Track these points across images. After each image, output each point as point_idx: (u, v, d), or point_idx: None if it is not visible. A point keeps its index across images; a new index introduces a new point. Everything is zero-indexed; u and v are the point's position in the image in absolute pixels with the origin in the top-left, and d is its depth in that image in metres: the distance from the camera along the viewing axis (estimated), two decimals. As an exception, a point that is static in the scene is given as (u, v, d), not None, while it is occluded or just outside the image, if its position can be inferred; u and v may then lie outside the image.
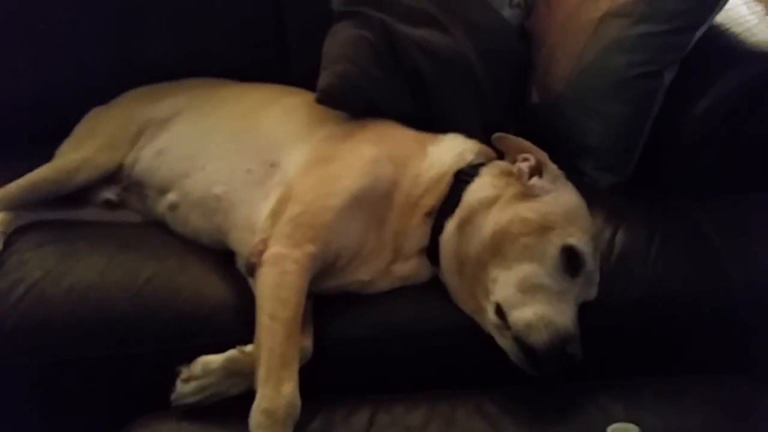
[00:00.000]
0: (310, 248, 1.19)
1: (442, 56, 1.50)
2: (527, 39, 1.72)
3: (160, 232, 1.44)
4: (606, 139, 1.49)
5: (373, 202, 1.27)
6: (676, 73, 1.45)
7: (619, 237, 1.35)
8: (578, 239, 1.17)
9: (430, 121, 1.47)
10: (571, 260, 1.16)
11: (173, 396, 1.10)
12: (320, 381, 1.14)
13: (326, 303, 1.24)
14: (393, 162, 1.31)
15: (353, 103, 1.44)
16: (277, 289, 1.14)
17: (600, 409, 1.09)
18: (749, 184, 1.46)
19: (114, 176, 1.54)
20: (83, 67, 1.78)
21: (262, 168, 1.37)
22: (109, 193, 1.53)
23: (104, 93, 1.72)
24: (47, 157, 1.59)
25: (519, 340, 1.10)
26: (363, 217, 1.25)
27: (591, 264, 1.18)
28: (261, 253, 1.20)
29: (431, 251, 1.27)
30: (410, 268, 1.28)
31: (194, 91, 1.65)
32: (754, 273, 1.29)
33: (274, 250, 1.19)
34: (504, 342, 1.13)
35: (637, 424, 1.02)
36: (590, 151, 1.51)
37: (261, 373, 1.06)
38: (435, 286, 1.27)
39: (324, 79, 1.44)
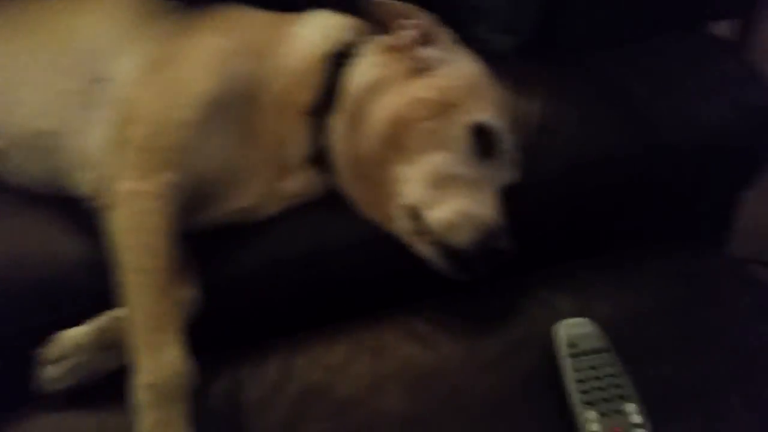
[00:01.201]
0: (166, 176, 0.95)
1: None
2: None
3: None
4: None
5: (234, 107, 1.03)
6: None
7: (534, 106, 1.18)
8: (488, 114, 1.00)
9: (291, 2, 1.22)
10: (483, 140, 0.99)
11: (38, 384, 0.89)
12: (218, 333, 0.96)
13: (209, 239, 1.03)
14: (248, 53, 1.06)
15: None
16: (136, 235, 0.91)
17: (544, 306, 0.97)
18: (654, 28, 1.32)
19: None
20: None
21: (86, 86, 1.09)
22: None
23: None
24: None
25: (440, 244, 0.94)
26: (226, 128, 1.02)
27: (507, 141, 1.02)
28: (106, 193, 0.97)
29: (319, 157, 1.06)
30: (300, 183, 1.07)
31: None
32: (684, 126, 1.16)
33: (122, 187, 0.95)
34: (423, 248, 0.97)
35: (586, 316, 0.90)
36: (483, 12, 1.30)
37: (135, 342, 0.85)
38: (336, 198, 1.07)
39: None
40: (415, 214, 0.96)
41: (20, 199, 1.11)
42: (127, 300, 0.89)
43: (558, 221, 1.13)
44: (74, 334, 0.91)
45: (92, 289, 0.97)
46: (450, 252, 0.94)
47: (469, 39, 1.26)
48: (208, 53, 1.05)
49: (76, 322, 0.93)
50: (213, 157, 1.01)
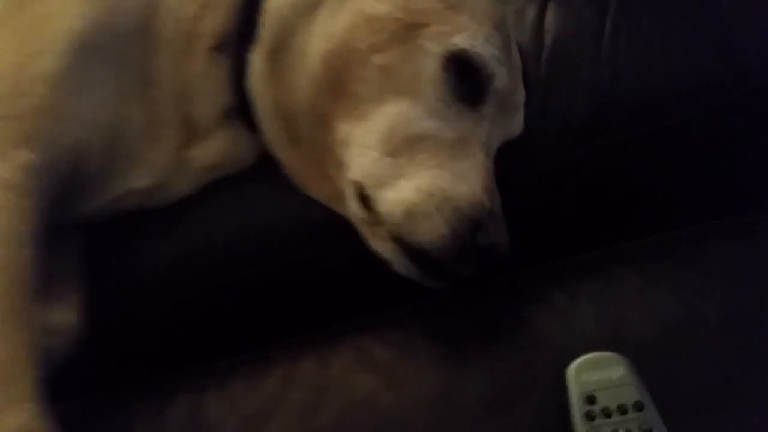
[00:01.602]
0: (24, 156, 0.67)
1: None
2: None
3: None
4: None
5: (120, 47, 0.74)
6: None
7: (551, 14, 0.84)
8: (472, 35, 0.68)
9: None
10: (464, 76, 0.68)
11: None
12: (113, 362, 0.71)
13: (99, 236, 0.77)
14: None
15: None
16: None
17: (555, 320, 0.66)
18: None
19: None
20: None
21: None
22: None
23: None
24: None
25: (399, 240, 0.64)
26: (106, 78, 0.73)
27: (501, 74, 0.70)
28: None
29: (245, 110, 0.76)
30: (218, 148, 0.77)
31: None
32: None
33: None
34: (378, 245, 0.67)
35: (617, 338, 0.60)
36: None
37: None
38: (269, 168, 0.77)
39: None
40: (364, 194, 0.66)
41: None
42: None
43: (579, 193, 0.79)
44: None
45: None
46: (413, 252, 0.64)
47: None
48: None
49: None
50: (91, 122, 0.72)
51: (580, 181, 0.82)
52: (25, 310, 0.65)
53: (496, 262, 0.63)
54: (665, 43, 0.82)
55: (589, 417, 0.54)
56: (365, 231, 0.69)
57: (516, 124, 0.74)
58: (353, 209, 0.68)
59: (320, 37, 0.70)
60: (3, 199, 0.67)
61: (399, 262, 0.66)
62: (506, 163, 0.72)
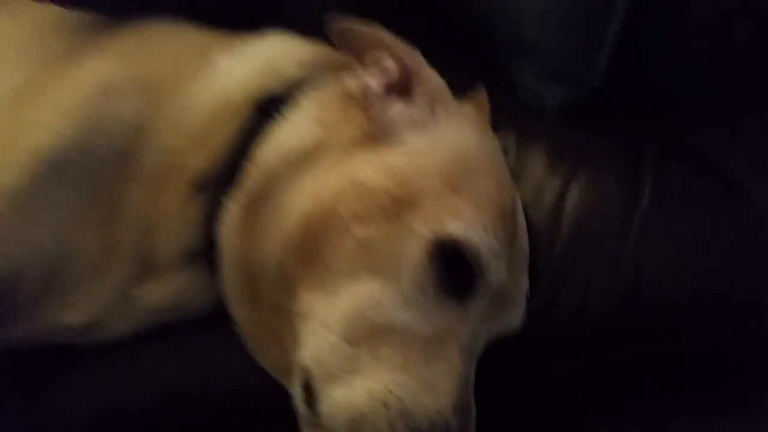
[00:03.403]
0: None
1: None
2: None
3: None
4: (551, 25, 0.86)
5: (92, 173, 0.68)
6: None
7: (573, 199, 0.76)
8: (468, 223, 0.59)
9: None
10: (453, 268, 0.58)
11: None
12: None
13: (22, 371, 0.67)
14: (142, 90, 0.71)
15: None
16: None
17: None
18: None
19: None
20: None
21: None
22: None
23: None
24: None
25: (340, 451, 0.53)
26: (68, 203, 0.67)
27: (498, 270, 0.60)
28: None
29: (210, 254, 0.68)
30: (172, 290, 0.69)
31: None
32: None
33: None
34: (316, 449, 0.56)
35: None
36: (527, 47, 0.88)
37: None
38: (222, 319, 0.68)
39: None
40: (309, 386, 0.56)
41: None
42: None
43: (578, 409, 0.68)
44: None
45: None
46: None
47: (512, 88, 0.88)
48: (80, 89, 0.71)
49: None
50: (35, 245, 0.65)
51: (586, 392, 0.71)
52: None
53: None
54: (700, 246, 0.73)
55: None
56: (303, 426, 0.58)
57: (513, 319, 0.63)
58: (297, 399, 0.58)
59: (304, 196, 0.62)
60: None
61: (337, 478, 0.54)
62: (498, 363, 0.62)
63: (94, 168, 0.68)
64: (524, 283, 0.65)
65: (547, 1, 0.86)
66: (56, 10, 0.88)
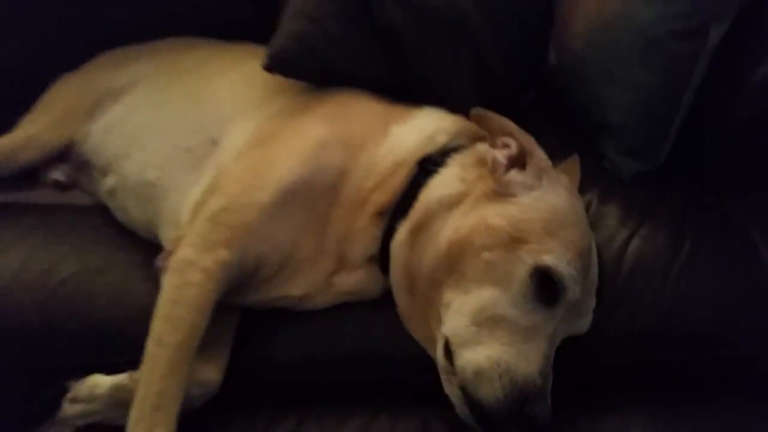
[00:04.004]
0: (223, 254, 0.97)
1: (426, 8, 1.20)
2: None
3: (100, 220, 1.27)
4: (631, 115, 1.15)
5: (313, 198, 1.02)
6: (728, 30, 1.08)
7: (635, 245, 1.06)
8: (557, 257, 0.89)
9: (414, 90, 1.21)
10: (545, 286, 0.88)
11: (59, 416, 0.95)
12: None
13: (251, 319, 1.04)
14: (345, 146, 1.06)
15: (309, 70, 1.18)
16: (172, 306, 0.94)
17: None
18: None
19: (66, 154, 1.37)
20: (50, 31, 1.60)
21: (203, 146, 1.16)
22: (59, 173, 1.37)
23: (71, 58, 1.54)
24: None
25: (466, 391, 0.85)
26: (298, 216, 1.02)
27: (575, 290, 0.90)
28: (171, 255, 1.00)
29: (383, 260, 1.02)
30: (356, 281, 1.04)
31: (159, 56, 1.44)
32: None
33: (182, 253, 0.98)
34: (450, 390, 0.89)
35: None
36: (612, 129, 1.18)
37: (132, 413, 0.88)
38: (387, 304, 1.02)
39: (275, 42, 1.18)
40: (449, 348, 0.89)
41: (117, 237, 1.21)
42: (141, 368, 0.91)
43: (622, 379, 0.98)
44: (95, 383, 0.96)
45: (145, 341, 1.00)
46: (473, 403, 0.85)
47: (595, 156, 1.17)
48: (305, 141, 1.05)
49: (125, 369, 0.97)
50: (275, 243, 1.00)
51: (631, 383, 1.00)
52: (186, 362, 0.91)
53: (534, 430, 0.83)
54: (720, 292, 1.01)
55: None
56: (442, 375, 0.90)
57: (582, 326, 0.93)
58: (438, 356, 0.90)
59: (450, 228, 0.94)
60: (198, 279, 0.95)
61: (461, 408, 0.87)
62: (570, 354, 0.92)
63: (314, 195, 1.02)
64: (592, 301, 0.94)
65: (629, 95, 1.14)
66: None
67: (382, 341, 1.01)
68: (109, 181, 1.26)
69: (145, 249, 1.17)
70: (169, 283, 0.96)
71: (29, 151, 1.34)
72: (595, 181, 1.12)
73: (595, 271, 0.95)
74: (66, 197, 1.37)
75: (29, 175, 1.37)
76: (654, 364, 0.98)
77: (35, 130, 1.36)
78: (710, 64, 1.10)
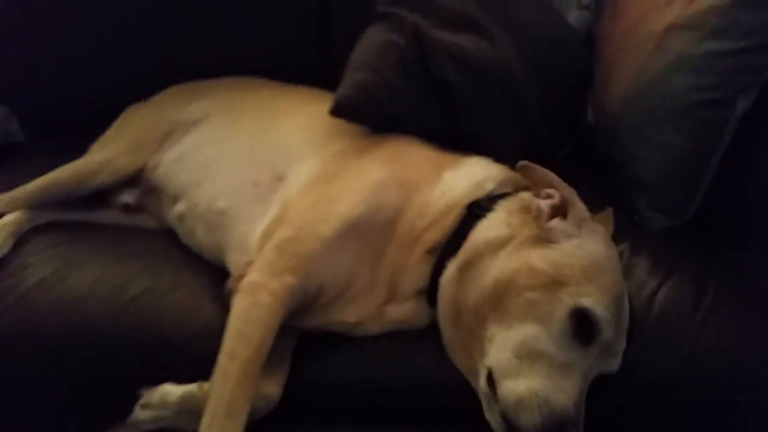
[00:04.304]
0: (289, 280, 1.07)
1: (478, 66, 1.33)
2: (593, 47, 1.52)
3: (166, 243, 1.38)
4: (662, 174, 1.26)
5: (371, 233, 1.13)
6: (755, 100, 1.19)
7: (662, 295, 1.15)
8: (595, 301, 0.98)
9: (462, 139, 1.32)
10: (582, 326, 0.97)
11: (130, 419, 1.04)
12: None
13: (308, 341, 1.14)
14: (401, 187, 1.17)
15: (371, 116, 1.31)
16: (242, 324, 1.04)
17: None
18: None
19: (135, 179, 1.49)
20: (126, 66, 1.75)
21: (269, 181, 1.27)
22: (129, 197, 1.49)
23: (147, 91, 1.68)
24: (84, 151, 1.57)
25: (506, 418, 0.94)
26: (356, 249, 1.12)
27: (609, 332, 0.99)
28: (242, 278, 1.11)
29: (431, 294, 1.12)
30: (406, 312, 1.14)
31: (226, 94, 1.57)
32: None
33: (252, 277, 1.09)
34: (491, 416, 0.98)
35: None
36: (644, 186, 1.29)
37: (204, 419, 0.97)
38: (434, 334, 1.12)
39: (342, 90, 1.31)
40: (492, 378, 0.98)
41: (185, 259, 1.32)
42: (213, 379, 1.01)
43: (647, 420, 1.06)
44: (166, 391, 1.05)
45: (212, 356, 1.07)
46: (514, 429, 0.93)
47: (627, 210, 1.26)
48: (365, 181, 1.17)
49: (192, 381, 1.07)
50: (335, 272, 1.11)
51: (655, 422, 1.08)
52: (254, 376, 1.01)
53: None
54: (736, 340, 1.09)
55: None
56: (484, 402, 0.99)
57: (613, 365, 1.01)
58: (481, 384, 0.99)
59: (496, 268, 1.03)
60: (266, 301, 1.06)
61: (501, 433, 0.96)
62: (599, 388, 1.00)
63: (371, 231, 1.13)
64: (623, 343, 1.02)
65: (661, 155, 1.25)
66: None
67: (428, 369, 1.10)
68: (179, 207, 1.37)
69: (210, 271, 1.29)
70: (240, 303, 1.06)
71: (103, 174, 1.46)
72: (627, 234, 1.21)
73: (626, 315, 1.04)
74: (133, 219, 1.49)
75: (99, 197, 1.50)
76: (676, 404, 1.06)
77: (109, 156, 1.48)
78: (737, 130, 1.20)
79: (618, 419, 1.04)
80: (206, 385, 1.03)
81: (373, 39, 1.39)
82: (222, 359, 1.01)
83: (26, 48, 1.79)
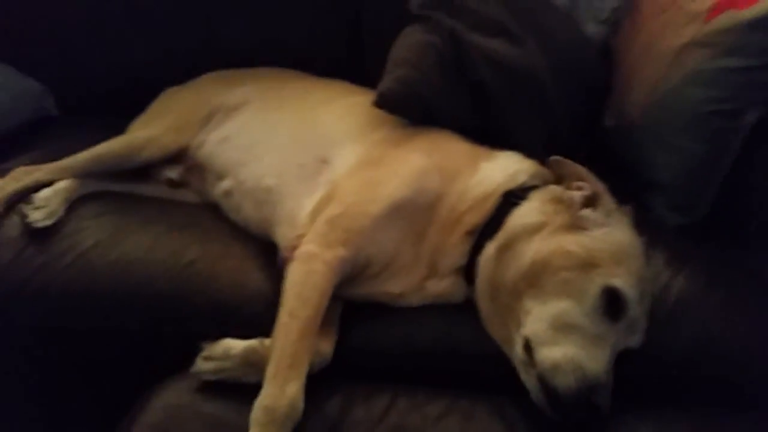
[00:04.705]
0: (341, 251, 1.17)
1: (510, 69, 1.45)
2: (609, 58, 1.65)
3: (211, 216, 1.48)
4: (677, 175, 1.39)
5: (414, 214, 1.24)
6: (763, 112, 1.33)
7: (677, 283, 1.26)
8: (623, 281, 1.10)
9: (492, 135, 1.43)
10: (612, 303, 1.08)
11: (192, 370, 1.12)
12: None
13: (353, 310, 1.23)
14: (441, 174, 1.27)
15: (411, 109, 1.41)
16: (301, 287, 1.14)
17: (627, 430, 1.05)
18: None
19: (178, 156, 1.58)
20: (164, 48, 1.84)
21: (313, 164, 1.37)
22: (172, 172, 1.58)
23: (181, 74, 1.77)
24: (120, 130, 1.66)
25: (543, 381, 1.05)
26: (401, 228, 1.23)
27: (635, 310, 1.10)
28: (295, 248, 1.20)
29: (468, 271, 1.23)
30: (444, 287, 1.25)
31: (264, 83, 1.67)
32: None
33: (306, 247, 1.19)
34: (527, 379, 1.08)
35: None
36: (660, 186, 1.42)
37: (269, 369, 1.05)
38: (468, 309, 1.23)
39: (385, 83, 1.42)
40: (529, 346, 1.08)
41: (231, 232, 1.41)
42: (275, 334, 1.10)
43: (664, 390, 1.18)
44: (229, 345, 1.13)
45: (262, 318, 1.19)
46: (550, 391, 1.04)
47: (643, 208, 1.38)
48: (408, 167, 1.28)
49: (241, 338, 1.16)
50: (382, 247, 1.22)
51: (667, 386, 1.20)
52: (312, 333, 1.11)
53: (598, 416, 1.02)
54: (750, 325, 1.22)
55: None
56: (521, 368, 1.10)
57: (637, 340, 1.11)
58: (518, 352, 1.09)
59: (533, 251, 1.14)
60: (321, 269, 1.16)
61: (537, 395, 1.06)
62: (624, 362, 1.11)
63: (415, 212, 1.23)
64: (645, 322, 1.13)
65: (677, 159, 1.38)
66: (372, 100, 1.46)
67: (461, 338, 1.21)
68: (226, 184, 1.47)
69: (256, 243, 1.38)
70: (297, 270, 1.16)
71: (150, 150, 1.55)
72: (644, 229, 1.31)
73: (648, 297, 1.16)
74: (176, 194, 1.57)
75: (143, 171, 1.58)
76: (691, 379, 1.18)
77: (155, 133, 1.57)
78: (746, 138, 1.34)
79: (640, 391, 1.14)
80: (267, 341, 1.12)
81: (411, 39, 1.50)
82: (284, 317, 1.11)
83: (65, 27, 1.87)
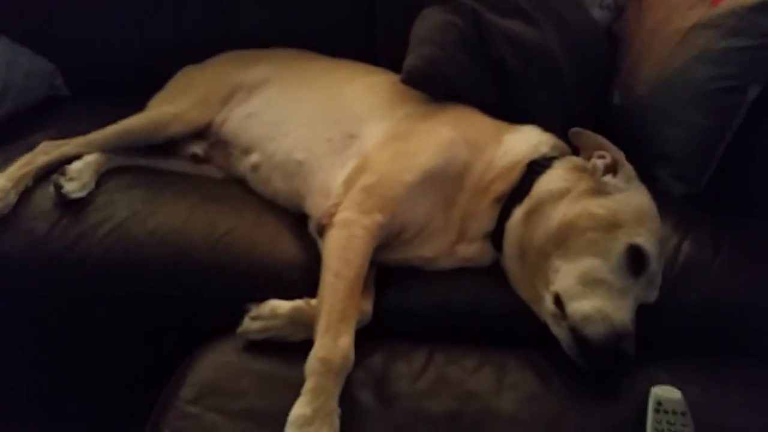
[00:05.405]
0: (378, 217, 1.24)
1: (529, 48, 1.53)
2: (613, 41, 1.74)
3: (239, 190, 1.53)
4: (684, 148, 1.48)
5: (445, 182, 1.31)
6: (763, 88, 1.43)
7: (685, 246, 1.36)
8: (645, 240, 1.18)
9: (510, 111, 1.51)
10: (635, 259, 1.17)
11: (239, 330, 1.16)
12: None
13: (388, 274, 1.30)
14: (468, 145, 1.34)
15: (436, 86, 1.48)
16: (343, 251, 1.20)
17: (646, 376, 1.13)
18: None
19: (203, 132, 1.63)
20: (182, 27, 1.88)
21: (341, 138, 1.43)
22: (197, 148, 1.62)
23: (198, 53, 1.81)
24: (131, 110, 1.67)
25: (574, 331, 1.13)
26: (433, 195, 1.30)
27: (655, 266, 1.19)
28: (332, 216, 1.26)
29: (496, 236, 1.30)
30: (474, 251, 1.32)
31: (284, 62, 1.72)
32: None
33: (344, 214, 1.25)
34: (559, 331, 1.16)
35: (679, 389, 1.07)
36: (667, 158, 1.51)
37: (321, 324, 1.11)
38: (495, 272, 1.30)
39: (410, 61, 1.48)
40: (560, 301, 1.16)
41: (261, 204, 1.47)
42: (323, 294, 1.16)
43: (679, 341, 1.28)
44: (275, 305, 1.18)
45: (298, 285, 1.27)
46: (581, 341, 1.12)
47: (649, 179, 1.47)
48: (437, 138, 1.35)
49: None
50: (416, 213, 1.29)
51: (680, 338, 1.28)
52: (356, 292, 1.17)
53: (625, 361, 1.10)
54: (752, 283, 1.31)
55: (656, 411, 1.04)
56: (551, 321, 1.17)
57: (653, 295, 1.20)
58: (549, 306, 1.17)
59: (560, 213, 1.22)
60: (360, 233, 1.22)
61: (568, 345, 1.14)
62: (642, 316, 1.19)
63: (445, 180, 1.30)
64: (660, 279, 1.22)
65: (684, 132, 1.47)
66: (392, 78, 1.54)
67: (492, 297, 1.28)
68: (253, 158, 1.52)
69: (287, 215, 1.43)
70: (338, 234, 1.22)
71: (176, 125, 1.59)
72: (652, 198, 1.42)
73: (663, 256, 1.25)
74: (200, 169, 1.61)
75: (168, 147, 1.62)
76: (700, 332, 1.27)
77: (180, 109, 1.61)
78: (747, 112, 1.44)
79: (655, 341, 1.23)
80: (312, 301, 1.18)
81: (433, 19, 1.56)
82: (329, 278, 1.17)
83: (77, 7, 1.89)
